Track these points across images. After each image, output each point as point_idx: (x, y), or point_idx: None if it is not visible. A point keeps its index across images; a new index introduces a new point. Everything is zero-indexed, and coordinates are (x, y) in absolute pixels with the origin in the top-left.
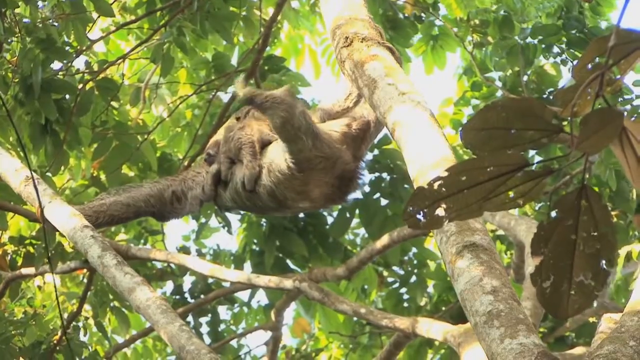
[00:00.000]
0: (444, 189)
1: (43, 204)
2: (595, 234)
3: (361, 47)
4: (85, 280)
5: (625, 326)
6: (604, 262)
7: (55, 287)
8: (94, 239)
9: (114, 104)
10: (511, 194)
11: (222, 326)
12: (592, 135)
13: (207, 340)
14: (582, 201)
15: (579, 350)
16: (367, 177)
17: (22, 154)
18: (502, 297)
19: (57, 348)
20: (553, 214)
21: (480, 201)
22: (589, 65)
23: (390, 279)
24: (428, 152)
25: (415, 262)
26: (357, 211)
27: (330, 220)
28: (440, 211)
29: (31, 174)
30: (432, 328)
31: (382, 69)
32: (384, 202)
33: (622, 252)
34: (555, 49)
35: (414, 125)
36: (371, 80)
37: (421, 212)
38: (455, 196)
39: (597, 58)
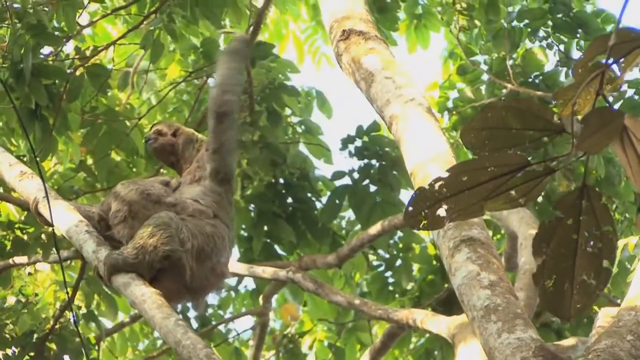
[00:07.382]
0: (445, 190)
1: (37, 199)
2: (597, 233)
3: (358, 41)
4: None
5: (623, 321)
6: (605, 261)
7: (63, 273)
8: (88, 234)
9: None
10: (512, 193)
11: (210, 311)
12: (593, 134)
13: (195, 324)
14: (583, 201)
15: (570, 341)
16: (356, 163)
17: (13, 141)
18: (499, 291)
19: (50, 337)
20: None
21: (482, 201)
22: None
23: (375, 263)
24: (425, 146)
25: (400, 245)
26: (346, 197)
27: (319, 205)
28: (441, 211)
29: (37, 163)
30: (427, 320)
31: (379, 62)
32: (372, 188)
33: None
34: (541, 33)
35: (411, 120)
36: (368, 74)
37: (422, 213)
38: (456, 196)
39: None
